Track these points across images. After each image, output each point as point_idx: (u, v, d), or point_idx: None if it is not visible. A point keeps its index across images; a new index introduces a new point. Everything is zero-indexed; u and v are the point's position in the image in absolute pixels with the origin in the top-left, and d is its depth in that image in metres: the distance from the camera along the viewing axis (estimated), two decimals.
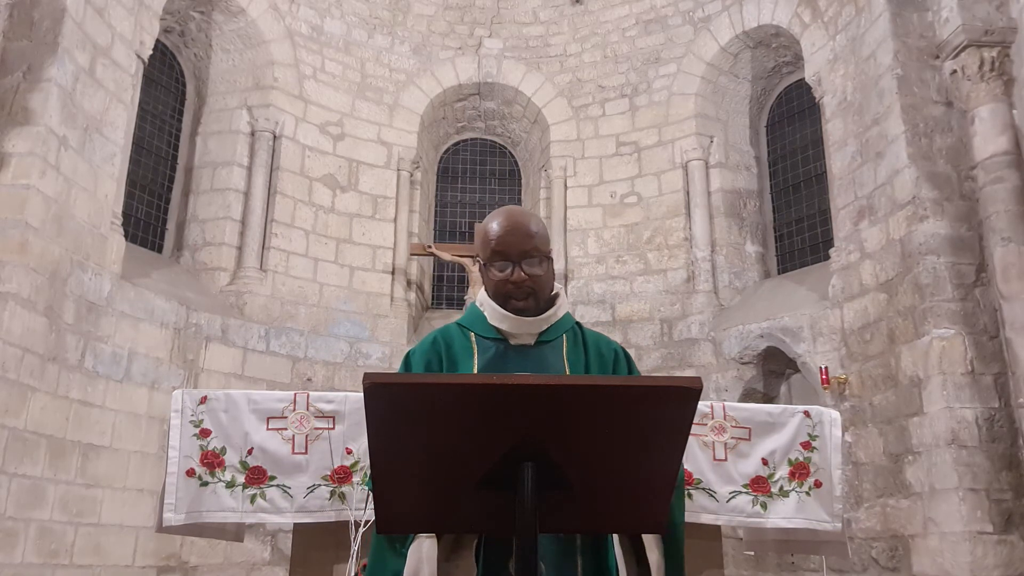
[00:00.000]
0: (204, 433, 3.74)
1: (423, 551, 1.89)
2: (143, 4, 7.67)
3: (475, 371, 2.08)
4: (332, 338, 8.98)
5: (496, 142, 11.09)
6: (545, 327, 2.14)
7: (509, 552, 1.45)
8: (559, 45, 10.48)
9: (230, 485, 3.71)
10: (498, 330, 2.14)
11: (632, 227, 9.68)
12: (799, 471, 4.03)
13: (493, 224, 2.10)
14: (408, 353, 2.20)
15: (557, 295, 2.19)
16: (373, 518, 1.64)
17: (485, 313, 2.17)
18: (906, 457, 6.60)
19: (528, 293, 2.08)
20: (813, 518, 4.02)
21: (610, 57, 10.25)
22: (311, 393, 3.92)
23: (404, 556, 1.91)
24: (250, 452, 3.74)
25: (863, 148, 7.51)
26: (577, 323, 2.23)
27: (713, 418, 4.04)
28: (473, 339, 2.15)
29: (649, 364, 8.95)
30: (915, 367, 6.58)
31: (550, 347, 2.14)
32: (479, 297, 2.22)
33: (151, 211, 8.74)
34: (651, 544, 1.96)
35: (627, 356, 2.23)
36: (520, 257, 2.06)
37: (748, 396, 8.38)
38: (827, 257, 8.14)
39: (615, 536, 1.98)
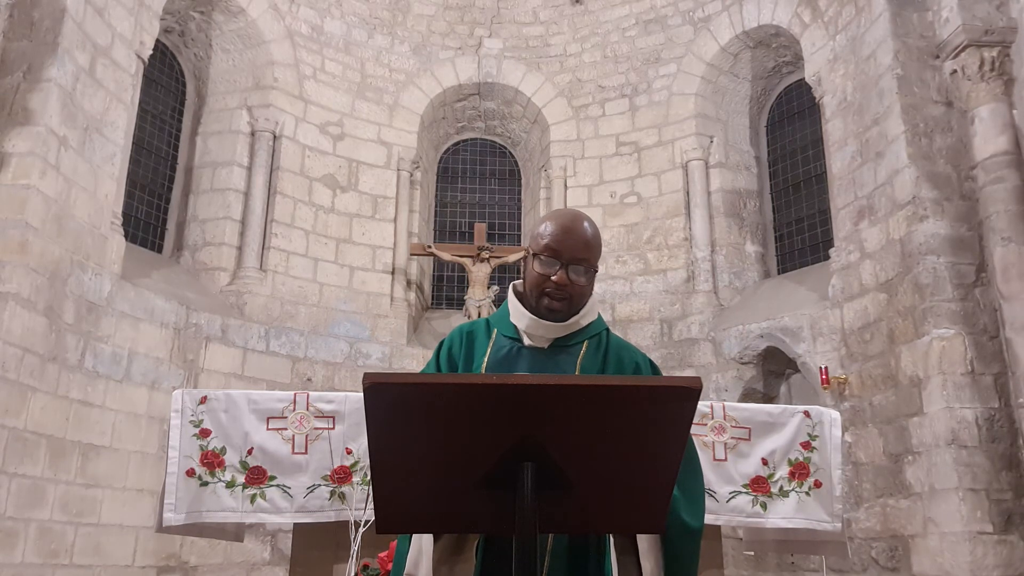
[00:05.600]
0: (204, 433, 3.74)
1: (423, 542, 1.91)
2: (143, 4, 7.66)
3: (483, 368, 2.08)
4: (332, 338, 8.97)
5: (496, 142, 11.09)
6: (563, 333, 2.10)
7: (510, 552, 1.45)
8: (559, 45, 10.48)
9: (230, 485, 3.70)
10: (517, 328, 2.13)
11: (632, 227, 9.68)
12: (799, 471, 4.03)
13: (554, 221, 2.09)
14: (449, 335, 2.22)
15: (586, 302, 2.14)
16: (373, 518, 1.65)
17: (509, 308, 2.16)
18: (906, 457, 6.59)
19: (565, 297, 2.05)
20: (813, 518, 4.02)
21: (610, 57, 10.25)
22: (311, 393, 3.92)
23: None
24: (250, 452, 3.74)
25: (863, 148, 7.51)
26: (607, 330, 2.18)
27: (713, 418, 4.03)
28: (494, 336, 2.14)
29: None
30: (915, 367, 6.58)
31: (566, 352, 2.10)
32: (511, 290, 2.19)
33: (151, 211, 8.73)
34: (647, 551, 1.90)
35: (653, 367, 2.17)
36: (570, 261, 2.03)
37: (748, 396, 8.37)
38: (827, 257, 8.13)
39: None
